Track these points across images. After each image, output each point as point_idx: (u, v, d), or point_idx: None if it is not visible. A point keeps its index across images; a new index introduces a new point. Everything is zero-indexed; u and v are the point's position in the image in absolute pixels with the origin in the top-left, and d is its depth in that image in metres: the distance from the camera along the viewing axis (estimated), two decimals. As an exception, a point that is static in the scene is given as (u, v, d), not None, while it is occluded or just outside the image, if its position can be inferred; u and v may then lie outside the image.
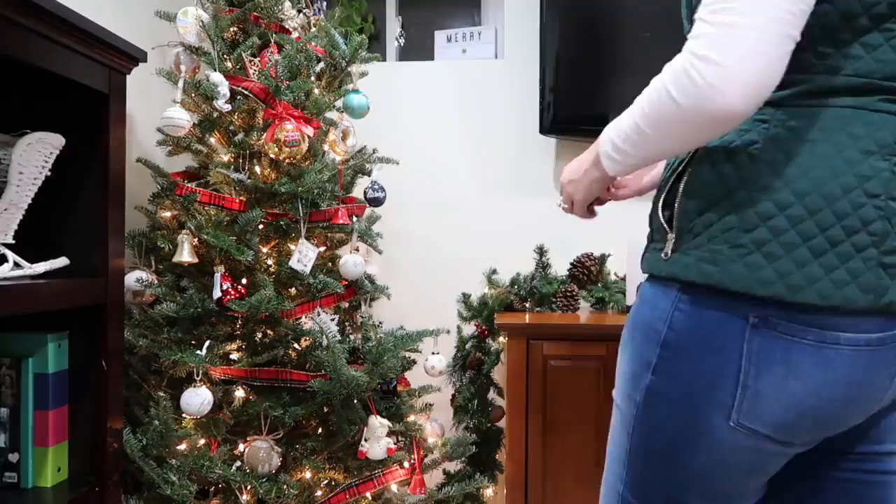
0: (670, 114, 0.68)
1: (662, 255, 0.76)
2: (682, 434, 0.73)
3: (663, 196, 0.79)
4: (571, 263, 2.09)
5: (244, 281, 1.56)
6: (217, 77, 1.51)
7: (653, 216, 0.81)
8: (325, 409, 1.57)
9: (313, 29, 1.78)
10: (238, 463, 1.48)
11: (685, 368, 0.72)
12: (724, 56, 0.62)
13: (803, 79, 0.69)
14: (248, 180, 1.57)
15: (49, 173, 1.09)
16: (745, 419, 0.70)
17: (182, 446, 1.46)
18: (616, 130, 0.76)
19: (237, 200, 1.56)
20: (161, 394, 1.46)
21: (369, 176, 1.79)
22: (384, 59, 2.45)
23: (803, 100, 0.69)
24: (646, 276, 0.81)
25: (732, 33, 0.62)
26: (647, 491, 0.78)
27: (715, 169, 0.73)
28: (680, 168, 0.77)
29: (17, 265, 1.06)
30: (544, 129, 2.12)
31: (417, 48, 2.52)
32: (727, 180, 0.71)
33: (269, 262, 1.61)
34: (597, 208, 0.98)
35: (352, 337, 1.69)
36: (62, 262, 1.14)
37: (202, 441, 1.50)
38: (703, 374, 0.71)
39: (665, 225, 0.77)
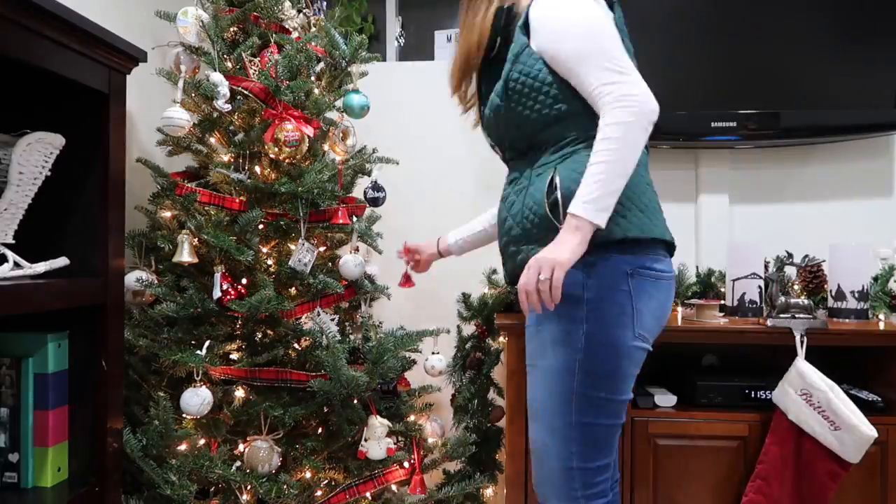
0: (628, 130, 1.08)
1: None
2: (615, 352, 1.12)
3: (546, 205, 1.14)
4: (571, 263, 2.08)
5: (244, 281, 1.56)
6: (217, 77, 1.51)
7: (531, 222, 1.17)
8: (325, 409, 1.57)
9: (313, 29, 1.78)
10: (238, 463, 1.48)
11: (604, 311, 1.11)
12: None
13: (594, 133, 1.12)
14: (248, 180, 1.57)
15: (49, 173, 1.09)
16: (640, 329, 1.14)
17: (182, 446, 1.45)
18: (587, 197, 1.08)
19: (237, 200, 1.56)
20: (161, 394, 1.45)
21: (369, 176, 1.79)
22: (384, 59, 2.45)
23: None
24: None
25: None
26: (595, 405, 1.14)
27: (579, 178, 1.11)
28: (547, 187, 1.15)
29: (17, 265, 1.06)
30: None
31: (417, 48, 2.52)
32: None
33: (269, 262, 1.61)
34: None
35: (352, 337, 1.69)
36: (62, 262, 1.14)
37: (202, 441, 1.50)
38: (615, 310, 1.12)
39: (555, 221, 1.13)
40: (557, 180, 1.14)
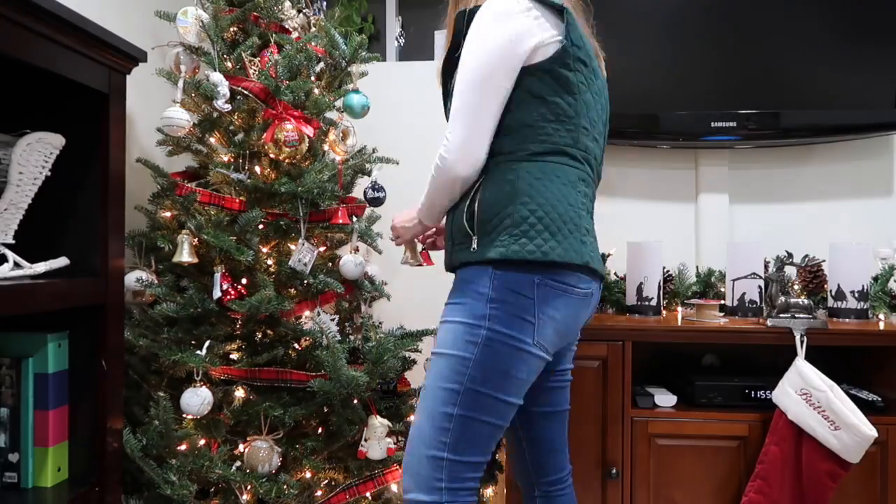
0: (434, 181, 1.22)
1: (471, 249, 1.19)
2: (510, 354, 1.15)
3: (465, 215, 1.20)
4: (571, 263, 2.08)
5: (244, 281, 1.56)
6: (217, 77, 1.51)
7: (456, 227, 1.23)
8: (325, 409, 1.57)
9: (313, 29, 1.78)
10: (238, 463, 1.48)
11: (506, 312, 1.14)
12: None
13: (526, 147, 1.18)
14: (248, 180, 1.57)
15: (49, 173, 1.09)
16: (539, 338, 1.16)
17: (182, 446, 1.45)
18: (422, 200, 1.29)
19: (237, 200, 1.56)
20: (161, 394, 1.45)
21: (369, 176, 1.79)
22: (384, 59, 2.45)
23: (535, 156, 1.18)
24: (460, 265, 1.22)
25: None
26: (480, 401, 1.16)
27: (494, 195, 1.18)
28: (471, 195, 1.20)
29: (17, 265, 1.06)
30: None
31: (417, 48, 2.52)
32: (502, 201, 1.17)
33: (269, 262, 1.61)
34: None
35: (352, 337, 1.69)
36: (62, 262, 1.14)
37: (202, 441, 1.50)
38: (517, 314, 1.14)
39: (469, 231, 1.19)
40: (479, 198, 1.19)
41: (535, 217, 1.15)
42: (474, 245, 1.19)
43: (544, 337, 1.16)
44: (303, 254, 1.56)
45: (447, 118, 1.26)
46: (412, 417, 1.67)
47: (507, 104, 1.18)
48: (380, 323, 1.84)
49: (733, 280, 1.87)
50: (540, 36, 1.15)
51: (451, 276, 1.24)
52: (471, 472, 1.18)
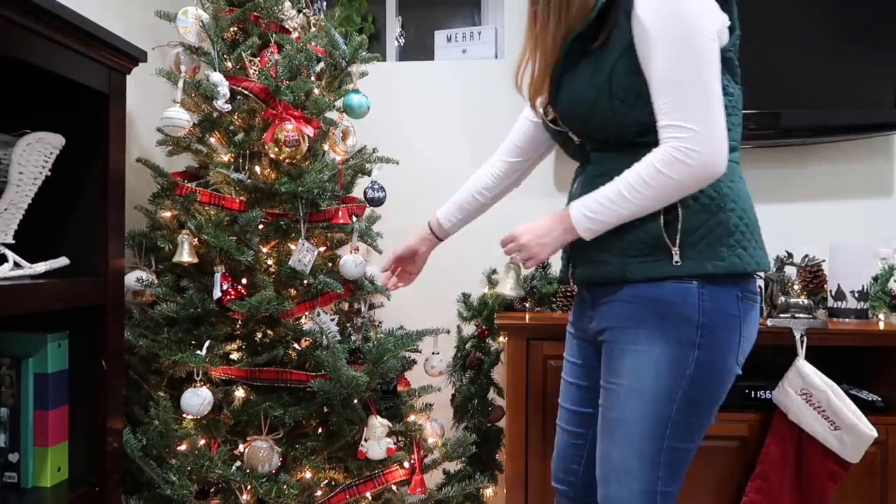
0: (668, 185, 1.04)
1: (672, 262, 1.07)
2: (720, 379, 1.10)
3: (660, 223, 1.08)
4: (571, 263, 2.08)
5: (244, 281, 1.56)
6: (217, 77, 1.51)
7: (636, 238, 1.09)
8: (325, 409, 1.56)
9: (313, 29, 1.78)
10: (238, 463, 1.48)
11: (717, 336, 1.08)
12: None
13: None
14: (248, 180, 1.57)
15: (49, 173, 1.09)
16: (741, 356, 1.12)
17: (182, 446, 1.45)
18: (589, 207, 1.10)
19: (237, 200, 1.56)
20: (161, 394, 1.45)
21: (369, 176, 1.79)
22: (384, 59, 2.45)
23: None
24: (650, 280, 1.09)
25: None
26: (689, 430, 1.11)
27: (699, 201, 1.08)
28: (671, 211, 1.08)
29: (17, 265, 1.06)
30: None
31: (417, 48, 2.52)
32: (710, 208, 1.08)
33: (269, 262, 1.61)
34: None
35: (352, 338, 1.69)
36: (62, 262, 1.14)
37: (202, 441, 1.50)
38: (727, 336, 1.08)
39: (668, 242, 1.07)
40: (676, 211, 1.07)
41: (744, 224, 1.09)
42: (676, 258, 1.07)
43: (743, 353, 1.13)
44: (303, 254, 1.56)
45: (556, 107, 1.16)
46: (412, 417, 1.67)
47: None
48: (380, 323, 1.84)
49: (733, 280, 1.86)
50: (722, 17, 1.09)
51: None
52: (676, 497, 1.16)
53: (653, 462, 1.10)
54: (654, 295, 1.08)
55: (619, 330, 1.13)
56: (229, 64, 1.60)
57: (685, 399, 1.08)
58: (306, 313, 1.60)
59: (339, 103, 1.71)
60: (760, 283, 2.01)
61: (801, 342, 1.63)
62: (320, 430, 1.61)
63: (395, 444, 1.57)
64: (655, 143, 1.06)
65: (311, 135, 1.56)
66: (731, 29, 1.11)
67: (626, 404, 1.11)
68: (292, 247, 1.61)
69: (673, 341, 1.07)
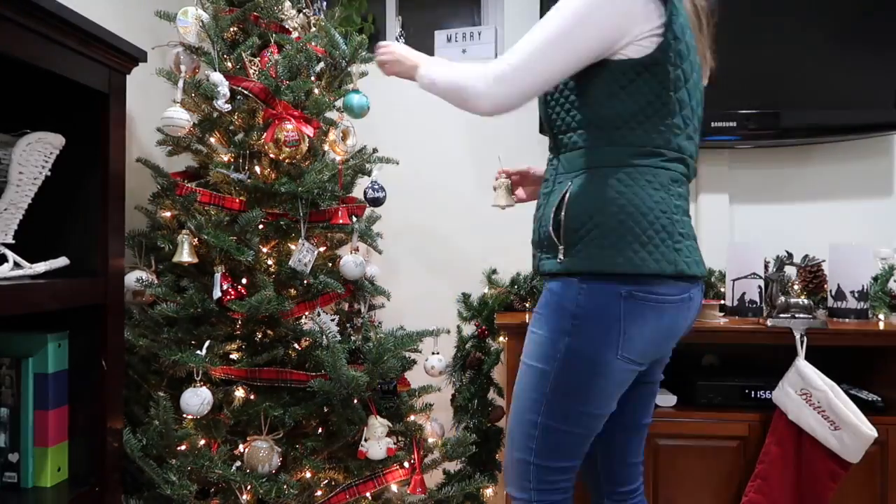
0: (457, 89, 1.17)
1: (557, 260, 1.16)
2: (592, 370, 1.13)
3: (552, 222, 1.17)
4: (571, 263, 2.08)
5: (244, 281, 1.56)
6: (217, 77, 1.51)
7: (543, 234, 1.20)
8: (325, 409, 1.56)
9: (313, 29, 1.78)
10: (238, 463, 1.48)
11: (589, 328, 1.12)
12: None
13: (613, 149, 1.14)
14: (248, 180, 1.57)
15: (49, 173, 1.09)
16: (624, 352, 1.12)
17: (182, 446, 1.45)
18: (437, 62, 1.26)
19: (237, 200, 1.56)
20: (161, 394, 1.45)
21: (369, 176, 1.79)
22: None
23: (626, 159, 1.13)
24: (548, 274, 1.19)
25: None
26: (564, 413, 1.16)
27: (582, 203, 1.14)
28: (558, 201, 1.16)
29: (17, 265, 1.06)
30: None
31: (417, 48, 2.51)
32: (589, 210, 1.13)
33: (269, 262, 1.61)
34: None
35: (352, 338, 1.69)
36: (62, 262, 1.14)
37: (202, 441, 1.50)
38: (601, 330, 1.12)
39: (555, 240, 1.16)
40: (566, 206, 1.15)
41: (625, 228, 1.10)
42: (560, 255, 1.15)
43: (631, 351, 1.13)
44: (303, 254, 1.56)
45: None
46: (412, 417, 1.67)
47: (598, 98, 1.13)
48: (380, 323, 1.84)
49: (733, 280, 1.87)
50: (642, 26, 1.08)
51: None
52: (559, 475, 1.21)
53: (528, 434, 1.19)
54: (550, 286, 1.19)
55: (532, 316, 1.24)
56: (229, 64, 1.60)
57: (556, 381, 1.15)
58: (306, 313, 1.60)
59: (338, 103, 1.71)
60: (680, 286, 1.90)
61: (801, 342, 1.63)
62: (320, 430, 1.61)
63: (395, 444, 1.57)
64: (570, 148, 1.18)
65: (311, 135, 1.56)
66: (671, 38, 1.10)
67: (520, 380, 1.22)
68: (292, 247, 1.61)
69: (552, 327, 1.16)
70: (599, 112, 1.13)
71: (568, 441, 1.19)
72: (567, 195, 1.15)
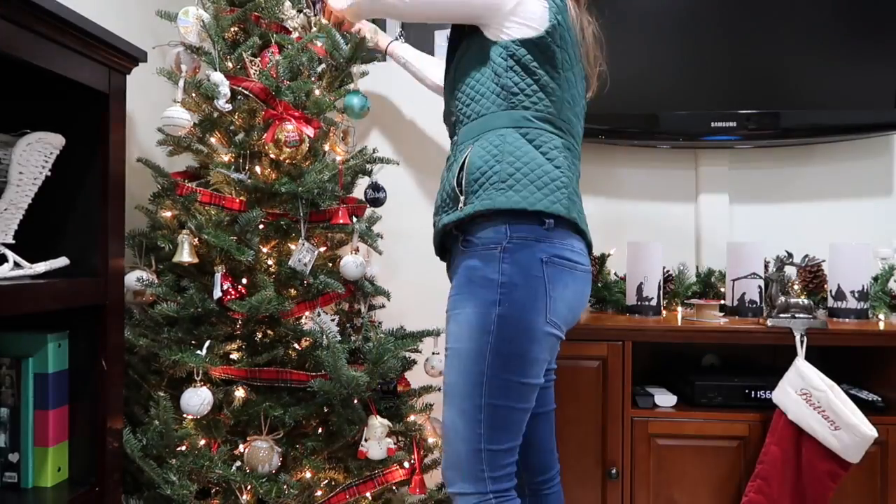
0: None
1: (457, 209, 1.21)
2: (526, 336, 1.17)
3: (455, 179, 1.23)
4: (571, 263, 2.08)
5: (244, 281, 1.56)
6: (217, 77, 1.51)
7: (445, 194, 1.26)
8: (325, 409, 1.56)
9: (314, 29, 1.78)
10: (238, 463, 1.48)
11: (518, 295, 1.16)
12: None
13: (512, 113, 1.24)
14: (249, 180, 1.57)
15: (49, 173, 1.09)
16: (551, 316, 1.18)
17: (182, 446, 1.45)
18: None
19: (237, 200, 1.56)
20: (161, 394, 1.45)
21: (369, 176, 1.79)
22: (384, 59, 2.45)
23: (521, 121, 1.24)
24: (447, 231, 1.26)
25: None
26: (505, 387, 1.18)
27: (481, 157, 1.22)
28: (460, 162, 1.23)
29: (17, 265, 1.06)
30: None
31: (417, 48, 2.52)
32: (489, 162, 1.20)
33: (269, 262, 1.61)
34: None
35: (352, 338, 1.69)
36: (62, 262, 1.14)
37: (202, 441, 1.50)
38: (529, 295, 1.16)
39: (458, 193, 1.22)
40: (466, 161, 1.23)
41: (521, 173, 1.18)
42: (461, 205, 1.22)
43: (557, 314, 1.19)
44: (303, 254, 1.56)
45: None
46: (412, 417, 1.67)
47: (496, 71, 1.24)
48: (380, 323, 1.84)
49: (733, 280, 1.87)
50: (527, 12, 1.23)
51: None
52: (508, 457, 1.22)
53: (474, 420, 1.19)
54: (467, 263, 1.21)
55: (449, 300, 1.26)
56: (230, 64, 1.60)
57: (494, 355, 1.17)
58: (306, 313, 1.60)
59: (339, 103, 1.71)
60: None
61: (801, 342, 1.63)
62: (320, 430, 1.61)
63: (395, 444, 1.57)
64: (478, 114, 1.27)
65: (312, 135, 1.56)
66: (558, 23, 1.25)
67: (451, 367, 1.23)
68: (292, 247, 1.61)
69: (479, 301, 1.18)
70: (498, 82, 1.24)
71: (512, 417, 1.20)
72: (467, 156, 1.23)
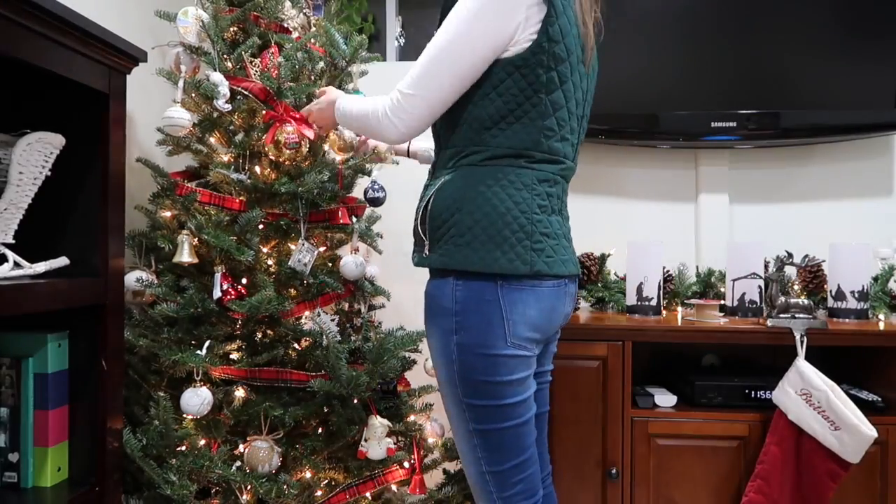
0: (371, 124, 1.21)
1: (423, 254, 1.19)
2: (485, 361, 1.12)
3: (419, 218, 1.20)
4: (571, 263, 2.08)
5: (244, 281, 1.56)
6: (217, 77, 1.51)
7: (414, 228, 1.22)
8: (325, 409, 1.56)
9: (313, 29, 1.78)
10: (238, 463, 1.48)
11: (473, 322, 1.12)
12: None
13: (481, 149, 1.15)
14: (248, 180, 1.57)
15: (49, 173, 1.09)
16: (512, 338, 1.12)
17: (182, 446, 1.45)
18: (348, 103, 1.28)
19: (237, 200, 1.56)
20: (161, 394, 1.45)
21: (369, 176, 1.79)
22: (384, 59, 2.45)
23: (489, 160, 1.15)
24: (424, 266, 1.20)
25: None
26: (484, 411, 1.14)
27: (444, 201, 1.15)
28: (427, 199, 1.18)
29: (17, 265, 1.06)
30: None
31: (417, 48, 2.52)
32: (450, 208, 1.14)
33: (269, 262, 1.61)
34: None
35: (352, 338, 1.69)
36: (62, 262, 1.14)
37: (202, 441, 1.50)
38: (484, 321, 1.11)
39: (422, 235, 1.19)
40: (430, 204, 1.17)
41: (480, 227, 1.11)
42: (426, 251, 1.18)
43: (518, 336, 1.13)
44: (303, 254, 1.56)
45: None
46: (412, 417, 1.67)
47: (472, 98, 1.13)
48: (380, 323, 1.84)
49: (733, 280, 1.87)
50: (525, 26, 1.08)
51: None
52: (516, 475, 1.18)
53: (470, 444, 1.17)
54: (428, 291, 1.19)
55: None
56: (229, 64, 1.60)
57: (463, 383, 1.14)
58: (306, 313, 1.60)
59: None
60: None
61: (801, 342, 1.63)
62: (320, 430, 1.61)
63: (395, 444, 1.57)
64: (451, 143, 1.19)
65: (312, 137, 1.56)
66: (544, 41, 1.09)
67: (442, 396, 1.21)
68: (292, 247, 1.61)
69: (440, 331, 1.15)
70: (473, 112, 1.14)
71: (504, 437, 1.16)
72: (434, 193, 1.17)
